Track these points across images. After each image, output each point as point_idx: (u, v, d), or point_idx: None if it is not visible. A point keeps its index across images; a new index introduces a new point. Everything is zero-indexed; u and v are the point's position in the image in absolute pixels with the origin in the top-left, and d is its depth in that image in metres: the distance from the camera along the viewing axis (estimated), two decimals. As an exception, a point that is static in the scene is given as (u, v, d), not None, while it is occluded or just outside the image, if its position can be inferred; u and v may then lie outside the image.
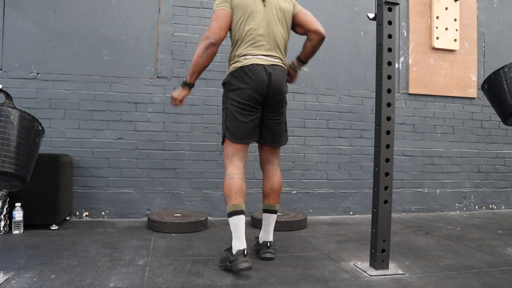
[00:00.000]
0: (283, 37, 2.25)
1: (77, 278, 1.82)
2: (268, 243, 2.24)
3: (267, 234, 2.28)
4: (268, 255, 2.20)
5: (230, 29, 2.20)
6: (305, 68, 2.47)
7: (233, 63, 2.19)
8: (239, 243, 1.96)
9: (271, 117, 2.23)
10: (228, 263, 1.96)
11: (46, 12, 3.17)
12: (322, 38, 2.27)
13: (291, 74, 2.41)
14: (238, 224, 1.99)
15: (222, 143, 2.21)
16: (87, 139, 3.22)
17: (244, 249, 1.92)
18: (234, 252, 1.94)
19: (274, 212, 2.29)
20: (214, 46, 2.12)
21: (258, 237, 2.37)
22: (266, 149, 2.31)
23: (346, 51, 3.73)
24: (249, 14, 2.15)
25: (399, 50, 3.80)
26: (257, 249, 2.31)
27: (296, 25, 2.32)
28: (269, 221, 2.28)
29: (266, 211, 2.28)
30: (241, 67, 2.12)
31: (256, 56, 2.14)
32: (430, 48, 3.87)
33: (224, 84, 2.22)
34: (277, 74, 2.16)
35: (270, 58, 2.16)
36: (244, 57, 2.14)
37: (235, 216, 2.00)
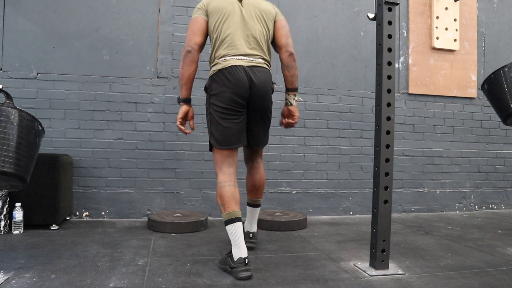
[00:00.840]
0: (263, 34, 2.17)
1: (77, 278, 1.82)
2: (251, 234, 2.40)
3: (250, 225, 2.45)
4: (248, 244, 2.26)
5: (208, 34, 2.19)
6: (299, 98, 2.47)
7: (213, 66, 2.15)
8: (239, 250, 1.94)
9: (255, 121, 2.18)
10: (229, 268, 1.95)
11: (46, 12, 3.17)
12: (290, 54, 2.22)
13: (290, 112, 2.31)
14: (235, 231, 1.96)
15: (210, 149, 2.17)
16: (87, 139, 3.22)
17: (245, 258, 1.91)
18: (235, 259, 1.92)
19: (258, 205, 2.43)
20: (190, 53, 2.09)
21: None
22: (250, 149, 2.33)
23: (346, 51, 3.73)
24: (226, 15, 2.13)
25: (399, 50, 3.79)
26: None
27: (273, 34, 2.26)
28: (253, 213, 2.43)
29: (250, 205, 2.43)
30: (220, 69, 2.08)
31: (235, 57, 2.08)
32: (430, 48, 3.87)
33: (206, 88, 2.18)
34: (260, 76, 2.09)
35: (250, 58, 2.10)
36: (223, 58, 2.09)
37: (231, 224, 1.98)
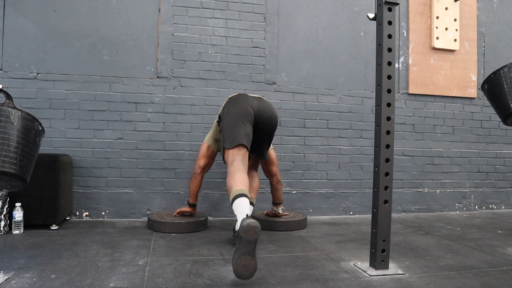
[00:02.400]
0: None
1: (77, 278, 1.82)
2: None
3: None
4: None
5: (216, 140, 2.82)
6: (280, 209, 3.08)
7: (222, 107, 2.58)
8: (241, 216, 1.90)
9: (261, 136, 2.56)
10: (236, 237, 1.86)
11: (46, 12, 3.17)
12: (279, 181, 3.02)
13: (276, 216, 3.08)
14: (240, 203, 1.97)
15: (223, 158, 2.37)
16: (87, 139, 3.22)
17: (246, 214, 1.87)
18: (238, 226, 1.89)
19: (252, 204, 2.59)
20: (195, 173, 2.91)
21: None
22: (252, 157, 2.71)
23: (346, 51, 3.73)
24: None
25: (399, 50, 3.80)
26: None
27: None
28: None
29: None
30: (230, 97, 2.56)
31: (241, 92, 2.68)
32: (430, 48, 3.87)
33: (219, 117, 2.56)
34: (265, 103, 2.56)
35: (255, 94, 2.70)
36: (232, 95, 2.61)
37: (237, 199, 1.99)
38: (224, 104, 2.57)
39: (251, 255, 1.76)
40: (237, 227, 1.94)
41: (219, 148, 2.84)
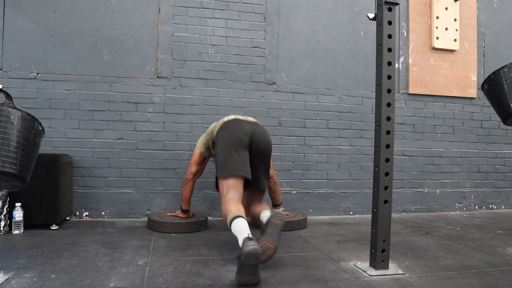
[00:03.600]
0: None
1: (77, 278, 1.82)
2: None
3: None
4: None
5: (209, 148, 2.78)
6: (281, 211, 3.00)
7: (215, 129, 2.56)
8: (241, 236, 1.85)
9: (256, 162, 2.42)
10: (238, 259, 1.81)
11: (46, 12, 3.17)
12: (276, 182, 3.03)
13: None
14: (238, 223, 1.92)
15: (217, 188, 2.33)
16: (87, 139, 3.22)
17: (247, 234, 1.83)
18: (240, 245, 1.81)
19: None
20: (187, 179, 2.89)
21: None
22: (251, 192, 2.50)
23: (346, 51, 3.73)
24: (219, 121, 2.64)
25: (399, 50, 3.80)
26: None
27: None
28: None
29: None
30: (225, 121, 2.50)
31: (235, 116, 2.55)
32: (430, 48, 3.87)
33: (213, 142, 2.53)
34: (259, 128, 2.49)
35: (249, 118, 2.57)
36: (227, 117, 2.55)
37: (234, 221, 1.95)
38: (218, 128, 2.50)
39: (254, 274, 1.78)
40: (239, 243, 1.84)
41: (211, 154, 2.83)
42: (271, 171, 2.94)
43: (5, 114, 1.73)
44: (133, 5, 3.32)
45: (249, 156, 2.36)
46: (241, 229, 1.90)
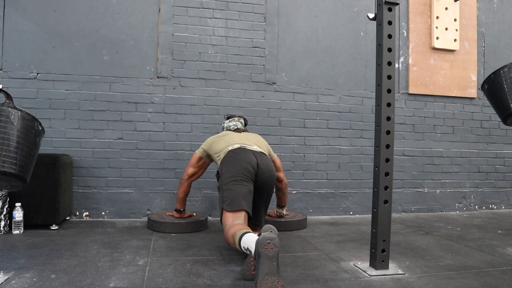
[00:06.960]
0: (260, 145, 2.65)
1: (77, 278, 1.82)
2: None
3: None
4: None
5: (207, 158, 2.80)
6: (284, 211, 3.10)
7: (218, 155, 2.54)
8: (254, 239, 1.72)
9: (259, 195, 2.39)
10: (255, 260, 1.66)
11: (46, 12, 3.17)
12: (287, 184, 3.01)
13: (280, 216, 3.09)
14: (248, 237, 1.80)
15: (221, 219, 2.23)
16: (87, 139, 3.22)
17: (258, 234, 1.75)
18: (253, 246, 1.69)
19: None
20: (182, 180, 2.87)
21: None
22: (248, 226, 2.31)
23: (346, 51, 3.73)
24: (223, 137, 2.65)
25: (399, 50, 3.80)
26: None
27: None
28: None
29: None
30: (230, 150, 2.45)
31: (240, 144, 2.50)
32: (430, 48, 3.88)
33: (217, 173, 2.47)
34: (265, 159, 2.44)
35: (254, 147, 2.53)
36: (232, 145, 2.50)
37: (245, 235, 1.83)
38: (223, 157, 2.45)
39: (276, 274, 1.49)
40: (252, 248, 1.71)
41: (211, 161, 2.83)
42: (282, 175, 2.94)
43: (5, 114, 1.73)
44: (133, 5, 3.32)
45: (253, 189, 2.31)
46: (252, 237, 1.78)
